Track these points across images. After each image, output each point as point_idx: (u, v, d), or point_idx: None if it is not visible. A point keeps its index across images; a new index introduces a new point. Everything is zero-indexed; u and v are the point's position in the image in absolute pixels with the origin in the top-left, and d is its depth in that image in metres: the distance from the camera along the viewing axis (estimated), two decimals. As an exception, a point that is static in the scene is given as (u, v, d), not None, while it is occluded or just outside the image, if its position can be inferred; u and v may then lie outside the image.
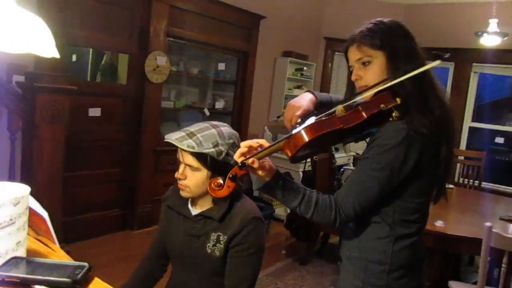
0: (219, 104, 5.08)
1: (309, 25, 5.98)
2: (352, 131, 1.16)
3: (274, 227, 4.55)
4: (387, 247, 1.23)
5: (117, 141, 3.91)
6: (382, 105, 1.14)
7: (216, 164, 1.41)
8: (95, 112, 3.65)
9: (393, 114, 1.15)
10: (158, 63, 3.95)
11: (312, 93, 1.41)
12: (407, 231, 1.24)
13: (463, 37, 5.36)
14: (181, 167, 1.45)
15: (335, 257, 1.50)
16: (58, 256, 0.98)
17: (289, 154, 1.13)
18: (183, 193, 1.48)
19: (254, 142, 1.16)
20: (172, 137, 1.40)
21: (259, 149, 1.15)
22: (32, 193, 0.91)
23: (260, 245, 1.48)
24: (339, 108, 1.16)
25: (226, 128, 1.47)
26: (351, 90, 1.33)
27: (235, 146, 1.44)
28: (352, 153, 5.77)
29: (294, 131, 1.12)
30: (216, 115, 4.99)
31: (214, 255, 1.45)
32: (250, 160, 1.12)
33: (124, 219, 4.04)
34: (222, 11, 4.50)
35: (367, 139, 1.26)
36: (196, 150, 1.38)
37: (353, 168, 1.29)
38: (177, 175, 1.45)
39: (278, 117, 5.55)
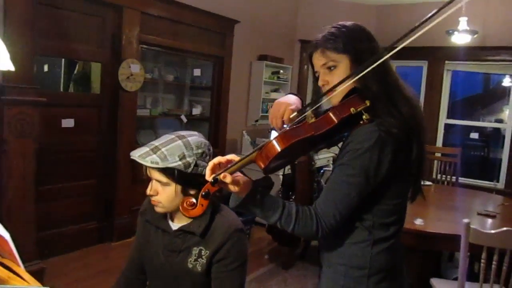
0: (196, 110, 5.03)
1: (284, 28, 5.99)
2: (324, 137, 1.14)
3: (256, 232, 4.51)
4: (365, 251, 1.22)
5: (92, 152, 3.83)
6: (352, 109, 1.13)
7: (185, 177, 1.35)
8: (68, 123, 3.57)
9: (364, 117, 1.14)
10: (132, 71, 3.88)
11: (295, 94, 1.38)
12: (385, 234, 1.23)
13: (435, 36, 5.40)
14: (151, 182, 1.40)
15: (317, 260, 1.49)
16: (21, 280, 0.92)
17: (262, 166, 1.10)
18: (157, 209, 1.43)
19: (223, 158, 1.12)
20: (136, 154, 1.34)
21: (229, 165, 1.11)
22: (3, 211, 0.86)
23: (244, 256, 1.45)
24: (309, 114, 1.14)
25: (194, 138, 1.41)
26: (318, 95, 1.31)
27: (205, 156, 1.40)
28: (331, 154, 5.78)
29: (271, 137, 1.09)
30: (193, 121, 4.94)
31: (196, 270, 1.41)
32: (221, 175, 1.07)
33: (102, 231, 3.95)
34: (195, 16, 4.45)
35: (339, 145, 1.25)
36: (161, 165, 1.32)
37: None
38: (148, 191, 1.41)
39: (256, 121, 5.54)
